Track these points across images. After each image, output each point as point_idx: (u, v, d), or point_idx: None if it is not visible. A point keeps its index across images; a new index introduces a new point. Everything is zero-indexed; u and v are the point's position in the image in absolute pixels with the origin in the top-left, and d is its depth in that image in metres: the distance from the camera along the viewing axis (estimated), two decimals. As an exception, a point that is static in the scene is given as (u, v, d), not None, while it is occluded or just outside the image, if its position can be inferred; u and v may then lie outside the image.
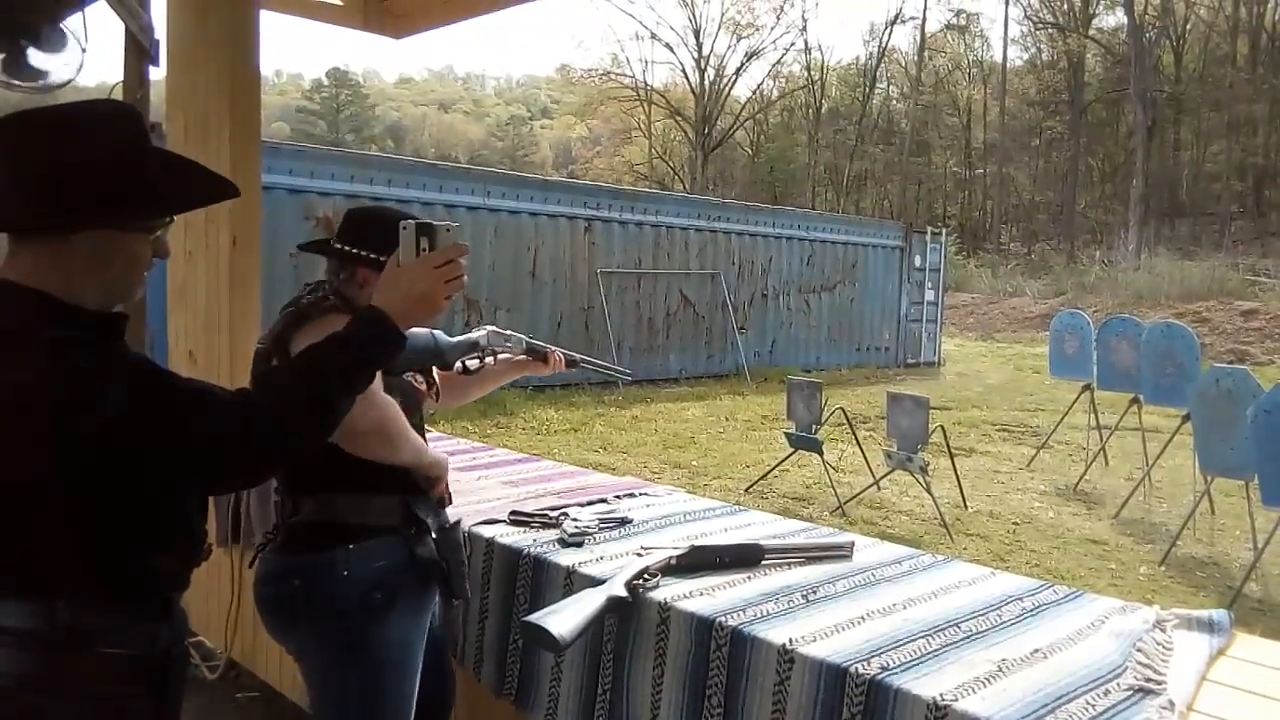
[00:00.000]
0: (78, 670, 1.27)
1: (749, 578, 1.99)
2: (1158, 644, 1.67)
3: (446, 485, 1.97)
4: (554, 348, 2.36)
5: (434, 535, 1.87)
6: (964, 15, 43.34)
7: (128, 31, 3.28)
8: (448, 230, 1.46)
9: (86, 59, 3.53)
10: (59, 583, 1.27)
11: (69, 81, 3.52)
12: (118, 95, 3.33)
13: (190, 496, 1.42)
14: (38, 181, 1.27)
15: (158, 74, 3.47)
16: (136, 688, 1.33)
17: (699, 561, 2.04)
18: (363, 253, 1.85)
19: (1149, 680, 1.52)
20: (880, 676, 1.52)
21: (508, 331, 2.28)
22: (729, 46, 43.55)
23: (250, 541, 2.64)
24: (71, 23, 3.48)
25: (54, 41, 3.42)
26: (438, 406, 2.21)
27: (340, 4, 4.14)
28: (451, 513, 1.99)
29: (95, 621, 1.29)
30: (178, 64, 3.46)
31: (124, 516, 1.29)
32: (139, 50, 3.30)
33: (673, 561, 2.01)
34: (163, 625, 1.38)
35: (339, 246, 1.89)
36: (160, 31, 3.38)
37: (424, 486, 1.91)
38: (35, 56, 3.38)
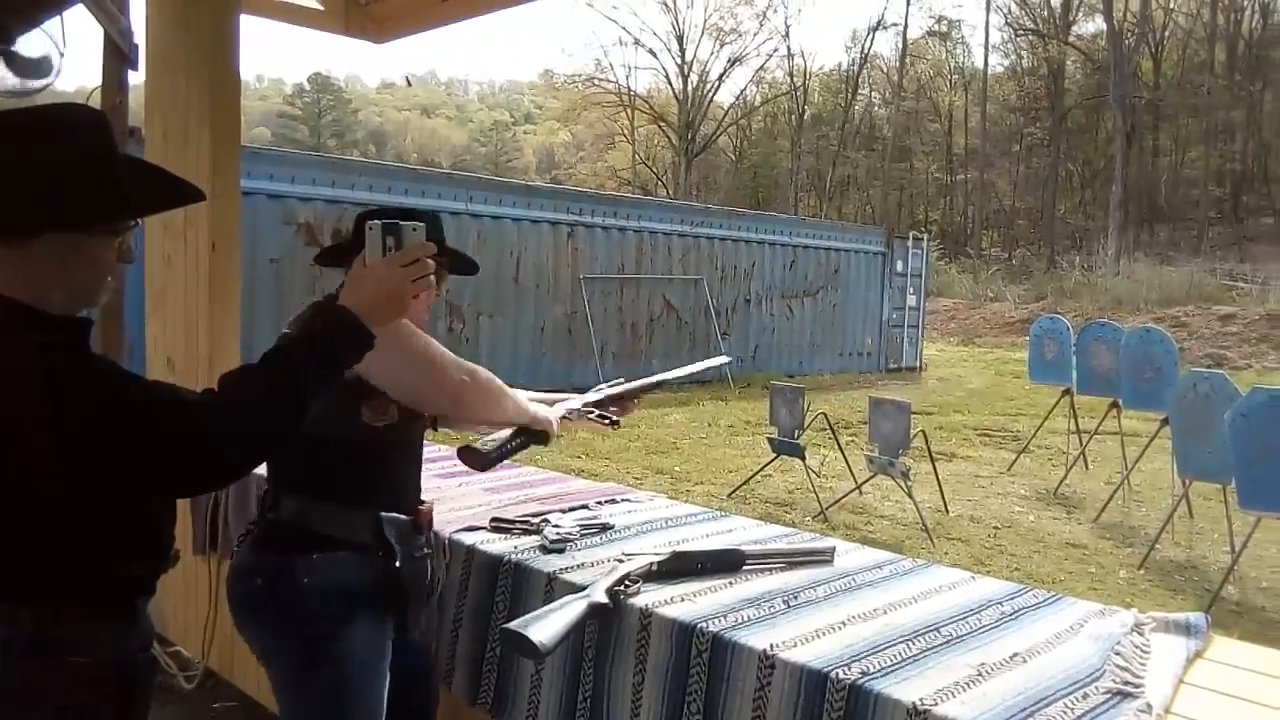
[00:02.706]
0: (44, 678, 1.26)
1: (730, 583, 1.99)
2: (1135, 647, 1.68)
3: (430, 512, 1.95)
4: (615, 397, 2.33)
5: (399, 562, 1.83)
6: (945, 22, 43.76)
7: (106, 36, 3.27)
8: (414, 230, 1.48)
9: (65, 63, 3.51)
10: (25, 590, 1.26)
11: (46, 86, 3.49)
12: (96, 100, 3.31)
13: (160, 499, 1.41)
14: (2, 185, 1.26)
15: (137, 79, 3.46)
16: (103, 695, 1.32)
17: (680, 567, 2.03)
18: None
19: (1127, 683, 1.53)
20: (861, 681, 1.52)
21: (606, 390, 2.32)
22: (712, 52, 43.82)
23: (228, 549, 2.62)
24: (49, 26, 3.45)
25: (31, 45, 3.40)
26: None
27: (322, 8, 4.13)
28: (435, 520, 1.97)
29: (61, 629, 1.28)
30: (157, 69, 3.44)
31: (92, 522, 1.28)
32: (118, 54, 3.28)
33: (654, 567, 2.00)
34: (130, 632, 1.37)
35: None
36: (140, 36, 3.37)
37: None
38: (11, 61, 3.35)
